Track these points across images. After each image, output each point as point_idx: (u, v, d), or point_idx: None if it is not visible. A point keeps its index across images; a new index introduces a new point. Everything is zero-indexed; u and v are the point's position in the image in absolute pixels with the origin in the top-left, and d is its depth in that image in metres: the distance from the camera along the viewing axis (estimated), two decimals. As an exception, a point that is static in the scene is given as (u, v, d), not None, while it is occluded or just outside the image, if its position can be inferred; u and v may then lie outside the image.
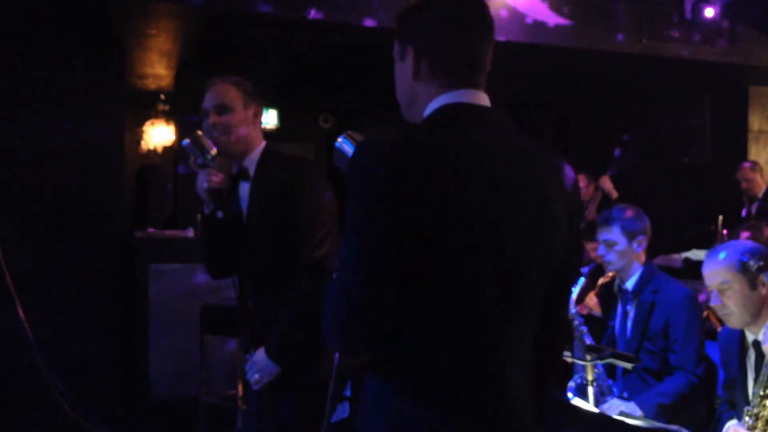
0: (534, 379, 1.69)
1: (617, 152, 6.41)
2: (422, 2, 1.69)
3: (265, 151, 2.75)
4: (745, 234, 4.13)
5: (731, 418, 2.87)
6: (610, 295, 3.72)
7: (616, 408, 3.15)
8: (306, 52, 6.72)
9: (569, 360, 3.34)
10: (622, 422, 2.87)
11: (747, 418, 2.64)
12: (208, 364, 4.97)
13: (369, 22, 5.33)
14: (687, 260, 5.78)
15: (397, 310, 1.52)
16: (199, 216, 2.91)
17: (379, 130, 1.61)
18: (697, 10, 6.18)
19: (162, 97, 7.87)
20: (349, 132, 1.88)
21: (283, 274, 2.64)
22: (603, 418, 2.91)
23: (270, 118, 8.46)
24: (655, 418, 3.13)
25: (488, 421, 1.60)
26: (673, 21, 6.29)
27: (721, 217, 6.01)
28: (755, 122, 7.26)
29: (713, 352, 3.47)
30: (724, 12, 6.19)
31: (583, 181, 6.90)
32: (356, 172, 1.55)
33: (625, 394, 3.34)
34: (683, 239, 6.31)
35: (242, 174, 2.74)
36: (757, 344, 2.78)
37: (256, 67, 6.53)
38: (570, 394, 3.24)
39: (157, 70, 7.00)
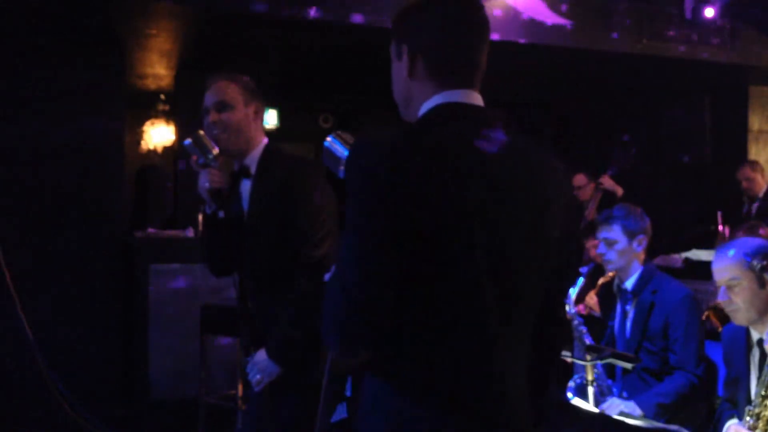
0: (533, 379, 1.69)
1: (617, 152, 6.40)
2: (419, 2, 1.70)
3: (267, 150, 2.74)
4: (740, 234, 4.13)
5: (732, 416, 2.86)
6: (609, 295, 3.72)
7: (616, 408, 3.15)
8: (306, 52, 6.72)
9: (569, 360, 3.34)
10: (622, 422, 2.87)
11: (748, 418, 2.64)
12: (208, 364, 4.97)
13: (357, 18, 5.33)
14: (687, 260, 5.77)
15: (396, 310, 1.52)
16: (200, 215, 2.91)
17: (379, 129, 1.61)
18: (697, 10, 6.17)
19: (162, 97, 7.87)
20: (339, 132, 1.90)
21: (283, 273, 2.64)
22: (603, 418, 2.91)
23: (270, 118, 8.46)
24: (655, 417, 3.13)
25: (488, 421, 1.60)
26: (673, 21, 6.30)
27: (720, 213, 6.01)
28: (755, 122, 7.26)
29: (713, 352, 3.47)
30: (724, 12, 6.19)
31: (582, 181, 6.90)
32: (355, 171, 1.56)
33: (624, 394, 3.34)
34: (683, 239, 6.30)
35: (243, 172, 2.74)
36: (761, 343, 2.78)
37: (256, 67, 6.52)
38: (570, 394, 3.24)
39: (157, 70, 7.00)
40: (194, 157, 2.71)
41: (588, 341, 3.48)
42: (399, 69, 1.71)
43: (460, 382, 1.58)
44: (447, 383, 1.58)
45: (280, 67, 7.08)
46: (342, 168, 1.78)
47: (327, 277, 1.71)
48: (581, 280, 3.73)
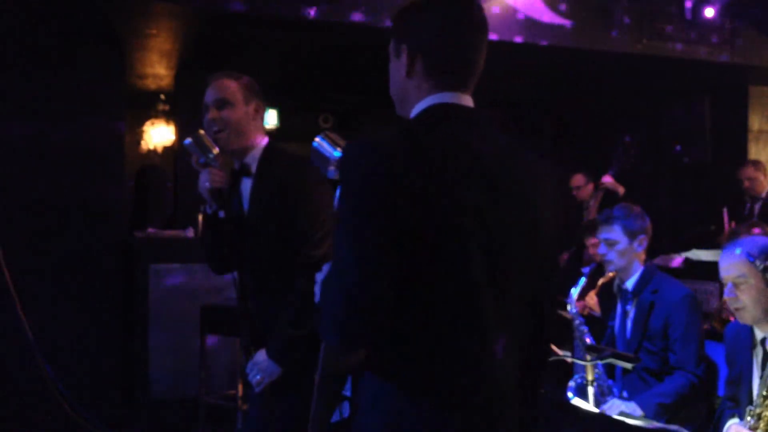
0: (526, 377, 1.70)
1: (617, 151, 6.41)
2: (420, 2, 1.71)
3: (268, 149, 2.74)
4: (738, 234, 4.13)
5: (733, 416, 2.86)
6: (609, 295, 3.72)
7: (616, 408, 3.15)
8: (306, 52, 6.72)
9: (569, 360, 3.34)
10: (622, 422, 2.87)
11: (749, 418, 2.63)
12: (208, 364, 4.97)
13: (357, 18, 5.33)
14: (687, 260, 5.77)
15: (396, 310, 1.52)
16: (200, 215, 2.91)
17: (379, 130, 1.62)
18: (697, 10, 6.17)
19: (162, 97, 7.86)
20: (327, 132, 1.93)
21: (283, 273, 2.64)
22: (603, 418, 2.91)
23: (270, 118, 8.46)
24: (655, 417, 3.13)
25: (486, 420, 1.61)
26: (673, 21, 6.29)
27: (726, 210, 6.01)
28: (755, 122, 7.25)
29: (713, 351, 3.47)
30: (724, 12, 6.19)
31: (581, 181, 6.91)
32: (355, 171, 1.56)
33: (625, 394, 3.34)
34: (683, 239, 6.30)
35: (244, 171, 2.74)
36: (765, 342, 2.78)
37: (256, 67, 6.50)
38: (570, 394, 3.24)
39: (157, 70, 6.99)
40: (194, 157, 2.71)
41: (589, 341, 3.48)
42: (397, 67, 1.72)
43: (460, 381, 1.59)
44: (446, 382, 1.58)
45: (280, 67, 7.08)
46: (331, 168, 1.83)
47: (319, 277, 1.72)
48: (583, 280, 3.72)
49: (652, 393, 3.27)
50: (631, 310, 3.50)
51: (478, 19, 1.69)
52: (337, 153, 1.88)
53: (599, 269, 4.50)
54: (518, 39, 5.88)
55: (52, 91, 5.35)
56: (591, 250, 5.33)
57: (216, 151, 2.69)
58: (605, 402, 3.25)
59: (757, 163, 6.43)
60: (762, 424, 2.59)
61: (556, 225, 1.72)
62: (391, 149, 1.55)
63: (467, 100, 1.69)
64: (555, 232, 1.72)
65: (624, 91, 7.62)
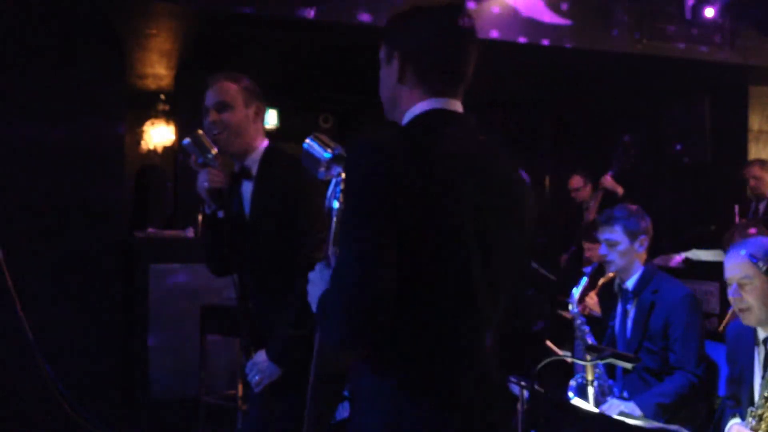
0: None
1: (617, 151, 6.40)
2: (412, 11, 1.76)
3: (268, 151, 2.74)
4: (735, 235, 4.13)
5: (734, 415, 2.86)
6: (609, 295, 3.72)
7: (616, 408, 3.15)
8: (306, 52, 6.72)
9: (569, 360, 3.34)
10: (622, 422, 2.87)
11: (750, 419, 2.64)
12: (208, 364, 4.97)
13: (365, 18, 5.33)
14: (687, 260, 5.77)
15: (396, 309, 1.53)
16: (200, 215, 2.91)
17: (378, 130, 1.64)
18: (697, 10, 6.17)
19: (162, 97, 7.86)
20: (317, 134, 1.96)
21: (283, 274, 2.64)
22: (603, 418, 2.91)
23: (270, 118, 8.46)
24: (655, 417, 3.13)
25: (484, 418, 1.64)
26: (674, 20, 6.29)
27: (737, 207, 6.01)
28: (755, 122, 7.25)
29: (714, 351, 3.47)
30: (724, 12, 6.18)
31: (579, 182, 6.91)
32: (356, 172, 1.57)
33: (625, 394, 3.34)
34: (683, 239, 6.30)
35: (245, 173, 2.74)
36: (767, 342, 2.79)
37: (256, 67, 6.51)
38: (571, 394, 3.24)
39: (157, 70, 6.99)
40: (193, 157, 2.71)
41: (590, 341, 3.48)
42: (388, 73, 1.76)
43: (459, 380, 1.60)
44: (446, 382, 1.60)
45: (280, 67, 7.08)
46: (321, 169, 1.87)
47: (312, 275, 1.73)
48: (585, 280, 3.72)
49: (652, 393, 3.27)
50: (632, 310, 3.50)
51: (467, 28, 1.74)
52: (327, 154, 1.91)
53: (600, 269, 4.50)
54: (518, 39, 5.88)
55: (52, 91, 5.35)
56: (588, 253, 5.33)
57: (215, 151, 2.69)
58: (606, 402, 3.25)
59: (763, 162, 6.39)
60: (764, 425, 2.59)
61: (533, 220, 1.79)
62: (391, 149, 1.57)
63: (457, 106, 1.74)
64: (532, 228, 1.79)
65: (624, 91, 7.62)
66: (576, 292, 3.64)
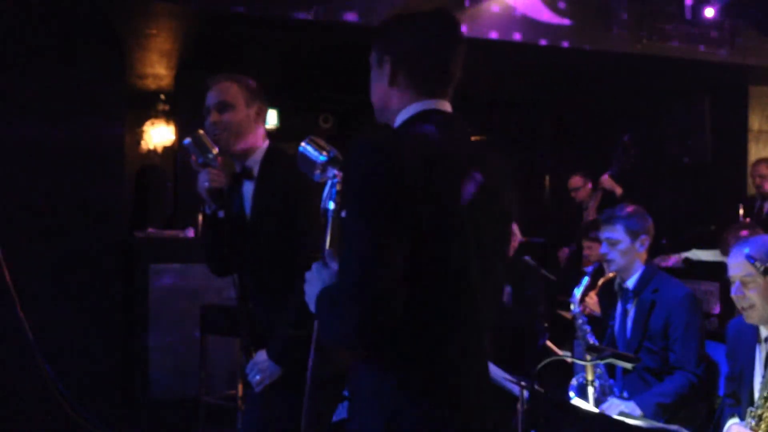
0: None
1: (617, 151, 6.40)
2: (402, 16, 1.82)
3: (269, 151, 2.74)
4: (733, 235, 4.12)
5: (733, 415, 2.86)
6: (609, 295, 3.72)
7: (616, 408, 3.15)
8: (306, 52, 6.72)
9: (569, 360, 3.35)
10: (622, 422, 2.87)
11: (750, 419, 2.64)
12: (208, 364, 4.97)
13: (357, 18, 5.33)
14: (687, 260, 5.77)
15: (400, 308, 1.53)
16: (200, 216, 2.91)
17: (378, 130, 1.65)
18: (697, 10, 6.17)
19: (162, 97, 7.86)
20: (312, 137, 2.00)
21: (283, 274, 2.64)
22: (603, 418, 2.91)
23: (270, 118, 8.46)
24: (655, 417, 3.13)
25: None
26: (673, 20, 6.29)
27: (741, 206, 6.00)
28: (755, 122, 7.25)
29: (714, 351, 3.47)
30: (724, 12, 6.18)
31: (579, 182, 6.91)
32: (356, 172, 1.58)
33: (625, 394, 3.34)
34: (683, 239, 6.30)
35: (246, 174, 2.74)
36: None
37: (256, 67, 6.52)
38: (572, 393, 3.24)
39: (157, 70, 6.99)
40: (194, 157, 2.71)
41: (591, 340, 3.48)
42: (379, 76, 1.82)
43: (458, 379, 1.61)
44: (445, 381, 1.60)
45: (280, 67, 7.08)
46: (317, 171, 1.90)
47: (308, 275, 1.73)
48: (586, 280, 3.72)
49: (652, 393, 3.27)
50: (632, 310, 3.50)
51: (456, 33, 1.81)
52: (322, 157, 1.95)
53: (600, 269, 4.50)
54: (518, 38, 5.87)
55: (52, 91, 5.35)
56: (586, 252, 5.33)
57: (215, 151, 2.69)
58: (606, 402, 3.25)
59: None
60: (763, 426, 2.59)
61: (513, 215, 1.86)
62: (391, 149, 1.58)
63: (447, 106, 1.80)
64: (510, 222, 1.87)
65: (624, 91, 7.62)
66: (577, 292, 3.64)
